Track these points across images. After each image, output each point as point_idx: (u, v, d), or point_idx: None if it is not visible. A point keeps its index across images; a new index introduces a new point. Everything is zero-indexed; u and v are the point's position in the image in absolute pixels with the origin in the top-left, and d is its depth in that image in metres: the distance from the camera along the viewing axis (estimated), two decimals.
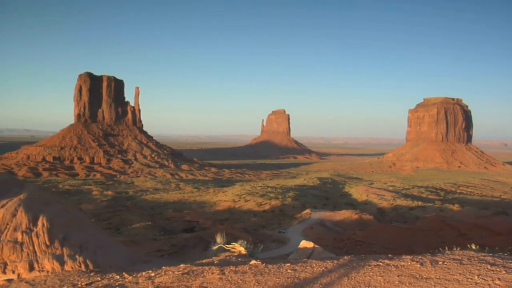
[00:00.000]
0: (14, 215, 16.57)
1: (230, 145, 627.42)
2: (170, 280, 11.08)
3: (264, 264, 11.90)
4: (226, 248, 17.38)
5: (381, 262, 11.05)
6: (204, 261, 14.80)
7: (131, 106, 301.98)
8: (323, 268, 10.98)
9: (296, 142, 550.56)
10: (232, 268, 11.66)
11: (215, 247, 18.05)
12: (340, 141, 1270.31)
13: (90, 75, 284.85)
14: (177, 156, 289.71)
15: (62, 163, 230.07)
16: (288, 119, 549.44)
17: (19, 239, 15.60)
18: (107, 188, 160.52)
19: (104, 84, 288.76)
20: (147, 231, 64.46)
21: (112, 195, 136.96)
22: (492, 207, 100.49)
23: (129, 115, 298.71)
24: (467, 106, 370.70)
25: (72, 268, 15.01)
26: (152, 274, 12.29)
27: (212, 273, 11.26)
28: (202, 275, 11.25)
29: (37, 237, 15.85)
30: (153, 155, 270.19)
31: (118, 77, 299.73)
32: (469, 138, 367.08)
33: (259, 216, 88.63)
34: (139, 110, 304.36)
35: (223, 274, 11.10)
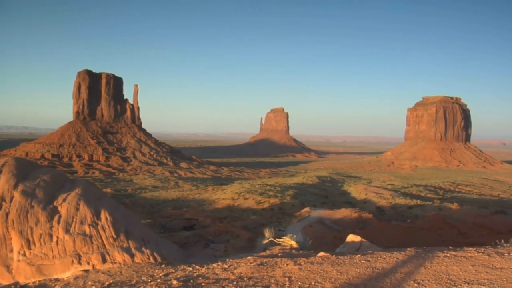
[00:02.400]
0: (77, 209, 17.08)
1: (229, 143, 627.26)
2: (250, 271, 11.25)
3: (335, 255, 12.28)
4: (277, 242, 17.84)
5: (448, 253, 11.58)
6: (263, 253, 15.14)
7: (130, 104, 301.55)
8: (395, 259, 11.42)
9: (295, 140, 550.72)
10: (304, 259, 11.94)
11: (265, 241, 18.63)
12: (339, 139, 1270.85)
13: (89, 73, 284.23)
14: (176, 154, 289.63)
15: (60, 161, 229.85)
16: (287, 117, 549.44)
17: (87, 232, 16.16)
18: (106, 185, 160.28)
19: (103, 81, 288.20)
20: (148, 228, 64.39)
21: (111, 192, 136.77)
22: (491, 206, 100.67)
23: (128, 113, 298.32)
24: (466, 105, 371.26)
25: (141, 260, 15.32)
26: (225, 266, 12.43)
27: (287, 264, 11.49)
28: (278, 266, 11.46)
29: (104, 230, 16.35)
30: (152, 153, 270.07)
31: (117, 74, 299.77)
32: (467, 137, 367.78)
33: (259, 214, 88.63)
34: (138, 108, 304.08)
35: (300, 264, 11.35)
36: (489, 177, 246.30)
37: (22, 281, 14.14)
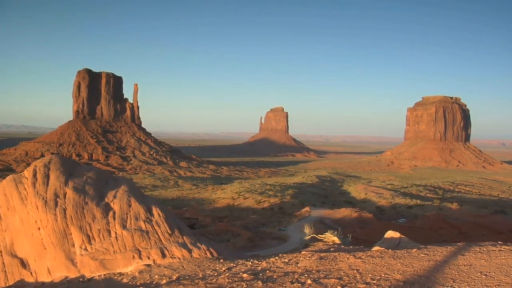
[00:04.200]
0: (129, 205, 17.56)
1: (228, 142, 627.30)
2: (314, 264, 11.43)
3: (392, 250, 12.53)
4: (319, 238, 18.17)
5: (501, 247, 12.07)
6: (311, 249, 15.35)
7: (130, 103, 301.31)
8: (451, 252, 11.78)
9: (294, 140, 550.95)
10: (363, 253, 12.21)
11: (307, 237, 18.98)
12: (338, 139, 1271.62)
13: (88, 72, 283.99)
14: (175, 153, 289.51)
15: None
16: (287, 117, 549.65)
17: (143, 227, 16.58)
18: None
19: (103, 80, 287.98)
20: None
21: None
22: (490, 206, 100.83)
23: (128, 112, 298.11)
24: (465, 105, 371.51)
25: (199, 255, 15.55)
26: (285, 260, 12.57)
27: (348, 258, 11.72)
28: (339, 260, 11.69)
29: (159, 226, 16.76)
30: (151, 152, 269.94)
31: (117, 73, 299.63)
32: (467, 137, 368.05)
33: (258, 214, 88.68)
34: (138, 107, 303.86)
35: (361, 258, 11.60)
36: (489, 177, 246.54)
37: (87, 274, 14.70)
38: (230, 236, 57.23)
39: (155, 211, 17.58)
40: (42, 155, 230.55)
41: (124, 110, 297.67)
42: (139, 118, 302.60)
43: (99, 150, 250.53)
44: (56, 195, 17.32)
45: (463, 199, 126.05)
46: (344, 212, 77.48)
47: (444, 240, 42.59)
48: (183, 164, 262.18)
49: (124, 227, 16.38)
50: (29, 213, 17.06)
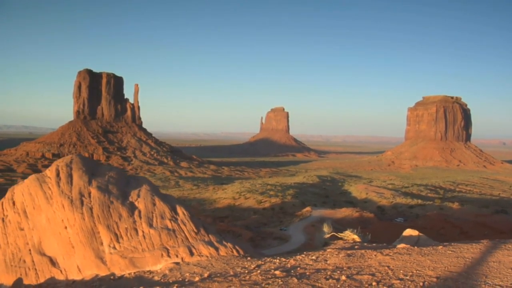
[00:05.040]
0: (154, 204, 17.87)
1: (229, 142, 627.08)
2: (343, 261, 11.51)
3: (417, 247, 12.65)
4: (339, 236, 18.38)
5: None
6: (335, 246, 15.43)
7: (131, 103, 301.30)
8: (478, 249, 11.94)
9: (295, 140, 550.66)
10: (389, 251, 12.31)
11: (327, 236, 19.23)
12: (339, 139, 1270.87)
13: (89, 72, 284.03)
14: (176, 153, 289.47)
15: None
16: (287, 117, 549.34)
17: (169, 226, 16.86)
18: None
19: (104, 81, 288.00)
20: None
21: None
22: (491, 205, 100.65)
23: (129, 112, 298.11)
24: (466, 105, 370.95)
25: (226, 253, 15.71)
26: (313, 258, 12.62)
27: (375, 255, 11.81)
28: (367, 257, 11.77)
29: (184, 225, 17.04)
30: (152, 152, 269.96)
31: (118, 74, 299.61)
32: (468, 137, 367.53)
33: (260, 214, 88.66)
34: (139, 107, 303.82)
35: (389, 255, 11.68)
36: (490, 176, 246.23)
37: (117, 272, 14.92)
38: (231, 236, 57.17)
39: (180, 210, 17.87)
40: (43, 156, 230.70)
41: (124, 110, 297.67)
42: (139, 118, 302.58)
43: (100, 150, 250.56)
44: (81, 194, 17.60)
45: (464, 198, 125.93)
46: (345, 212, 77.43)
47: (446, 240, 42.49)
48: (183, 164, 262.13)
49: (150, 226, 16.65)
50: (55, 212, 17.31)
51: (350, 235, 17.74)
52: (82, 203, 17.22)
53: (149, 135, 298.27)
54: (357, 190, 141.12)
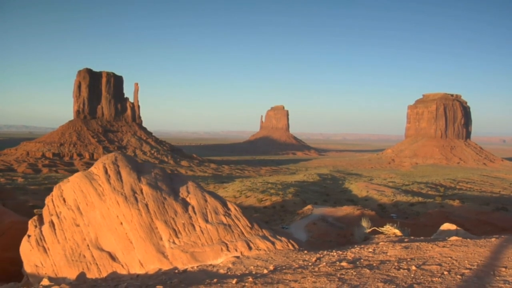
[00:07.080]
0: (205, 200, 18.23)
1: (229, 141, 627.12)
2: (403, 253, 11.75)
3: (471, 239, 12.88)
4: (380, 230, 18.58)
5: None
6: (384, 241, 15.55)
7: (131, 102, 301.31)
8: None
9: (295, 138, 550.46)
10: (443, 243, 12.57)
11: (368, 230, 19.51)
12: (339, 137, 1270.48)
13: (89, 71, 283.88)
14: (176, 152, 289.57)
15: (61, 160, 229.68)
16: (287, 115, 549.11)
17: (224, 221, 17.15)
18: None
19: (104, 80, 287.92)
20: None
21: None
22: (492, 203, 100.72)
23: (129, 111, 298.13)
24: (466, 102, 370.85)
25: (282, 247, 15.93)
26: (371, 250, 12.82)
27: (432, 247, 12.07)
28: (423, 249, 12.01)
29: (238, 220, 17.36)
30: (152, 151, 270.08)
31: (118, 73, 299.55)
32: (468, 134, 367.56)
33: (261, 212, 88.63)
34: (139, 106, 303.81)
35: (445, 247, 11.94)
36: (490, 174, 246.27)
37: (180, 266, 15.18)
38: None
39: (231, 205, 18.26)
40: (43, 155, 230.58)
41: (124, 110, 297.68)
42: (139, 117, 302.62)
43: (100, 149, 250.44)
44: (133, 191, 17.92)
45: (465, 196, 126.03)
46: (346, 210, 77.29)
47: None
48: (184, 163, 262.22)
49: (206, 221, 17.00)
50: (109, 209, 17.57)
51: (391, 230, 17.97)
52: (136, 199, 17.50)
53: (149, 134, 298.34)
54: (357, 188, 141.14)
